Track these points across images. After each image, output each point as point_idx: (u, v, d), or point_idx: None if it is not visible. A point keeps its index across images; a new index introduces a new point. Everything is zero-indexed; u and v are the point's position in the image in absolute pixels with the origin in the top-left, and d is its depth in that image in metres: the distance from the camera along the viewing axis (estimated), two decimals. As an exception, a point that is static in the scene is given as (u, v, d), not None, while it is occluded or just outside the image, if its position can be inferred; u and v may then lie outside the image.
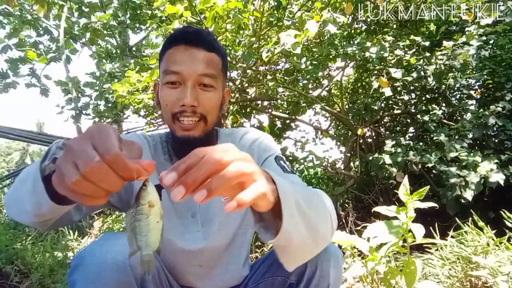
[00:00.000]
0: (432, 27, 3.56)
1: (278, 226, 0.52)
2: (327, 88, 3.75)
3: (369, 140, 3.67)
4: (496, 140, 2.89)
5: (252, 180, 0.47)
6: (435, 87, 2.99)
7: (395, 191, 1.53)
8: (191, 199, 0.82)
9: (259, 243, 2.64)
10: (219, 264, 0.91)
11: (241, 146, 0.92)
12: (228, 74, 3.05)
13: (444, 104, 3.05)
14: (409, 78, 2.73)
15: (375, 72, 3.14)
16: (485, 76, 2.84)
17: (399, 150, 2.60)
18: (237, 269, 0.93)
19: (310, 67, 3.09)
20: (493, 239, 1.75)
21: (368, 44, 2.63)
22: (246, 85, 3.21)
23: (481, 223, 1.84)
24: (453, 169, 2.38)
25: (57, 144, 0.56)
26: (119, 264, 0.66)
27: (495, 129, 2.80)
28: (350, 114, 3.32)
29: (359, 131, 2.94)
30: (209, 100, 0.81)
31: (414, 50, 2.91)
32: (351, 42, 3.34)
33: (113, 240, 0.70)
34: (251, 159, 0.49)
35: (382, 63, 2.84)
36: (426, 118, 2.74)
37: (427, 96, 3.15)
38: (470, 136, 2.68)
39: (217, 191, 0.44)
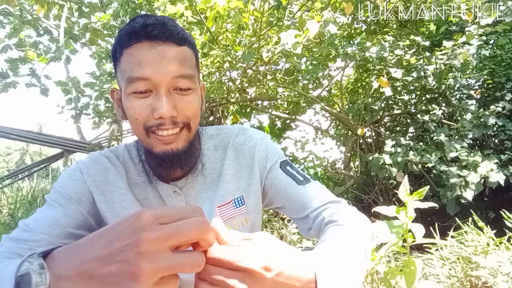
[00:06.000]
0: (432, 27, 3.56)
1: None
2: (327, 88, 3.76)
3: (369, 140, 3.67)
4: (496, 140, 2.90)
5: None
6: (435, 87, 3.00)
7: (395, 191, 1.53)
8: None
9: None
10: None
11: (235, 152, 0.79)
12: (228, 74, 3.04)
13: (444, 104, 3.05)
14: (409, 78, 2.73)
15: (375, 72, 3.14)
16: (485, 76, 2.84)
17: (399, 150, 2.60)
18: None
19: (310, 67, 3.09)
20: (493, 239, 1.75)
21: (368, 44, 2.63)
22: (246, 85, 3.21)
23: (481, 223, 1.84)
24: (453, 169, 2.38)
25: (30, 266, 0.39)
26: None
27: (495, 129, 2.80)
28: (350, 114, 3.32)
29: (359, 131, 2.94)
30: (190, 105, 0.66)
31: (414, 50, 2.91)
32: (351, 42, 3.34)
33: None
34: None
35: (382, 63, 2.84)
36: (426, 118, 2.74)
37: (427, 96, 3.15)
38: (470, 136, 2.68)
39: None
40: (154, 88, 0.64)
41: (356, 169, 3.67)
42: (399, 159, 2.49)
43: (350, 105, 3.68)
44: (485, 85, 3.08)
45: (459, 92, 3.15)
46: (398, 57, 2.77)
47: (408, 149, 2.65)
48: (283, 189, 0.76)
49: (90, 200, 0.71)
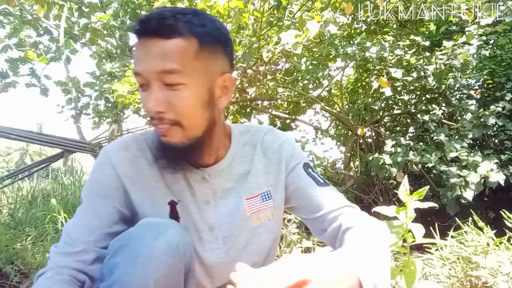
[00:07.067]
0: (432, 27, 3.56)
1: None
2: (327, 88, 3.76)
3: (369, 140, 3.67)
4: (496, 140, 2.89)
5: None
6: (435, 87, 3.00)
7: (395, 191, 1.53)
8: (206, 210, 0.77)
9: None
10: None
11: (264, 149, 0.81)
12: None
13: (444, 104, 3.05)
14: (409, 78, 2.73)
15: (375, 72, 3.14)
16: (485, 76, 2.84)
17: (399, 150, 2.60)
18: None
19: (310, 67, 3.09)
20: (493, 239, 1.75)
21: (368, 44, 2.63)
22: (246, 85, 3.21)
23: (481, 223, 1.84)
24: (453, 169, 2.38)
25: None
26: (172, 248, 0.61)
27: (495, 129, 2.80)
28: (350, 114, 3.32)
29: (359, 131, 2.94)
30: (181, 101, 0.64)
31: (414, 50, 2.91)
32: (351, 42, 3.34)
33: (162, 224, 0.65)
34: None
35: (382, 63, 2.84)
36: (426, 118, 2.74)
37: (427, 96, 3.15)
38: (470, 136, 2.68)
39: None
40: (148, 83, 0.64)
41: (356, 169, 3.67)
42: (399, 159, 2.49)
43: (350, 105, 3.68)
44: (485, 85, 3.08)
45: (459, 92, 3.15)
46: (398, 57, 2.77)
47: (408, 149, 2.65)
48: (302, 187, 0.78)
49: (122, 192, 0.73)
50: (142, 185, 0.73)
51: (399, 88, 3.06)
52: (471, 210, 2.07)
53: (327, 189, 0.76)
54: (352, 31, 3.56)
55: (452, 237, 1.93)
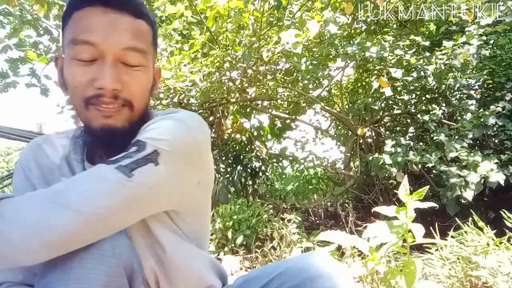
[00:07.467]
0: (432, 27, 3.56)
1: None
2: (327, 88, 3.76)
3: (369, 140, 3.67)
4: (496, 140, 2.89)
5: None
6: (435, 87, 3.00)
7: (395, 191, 1.53)
8: None
9: (259, 243, 2.64)
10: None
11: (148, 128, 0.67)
12: (228, 74, 3.04)
13: (444, 104, 3.05)
14: (409, 78, 2.73)
15: (375, 72, 3.14)
16: (485, 76, 2.84)
17: (399, 150, 2.60)
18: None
19: (310, 67, 3.10)
20: (493, 239, 1.75)
21: (368, 44, 2.64)
22: (246, 85, 3.21)
23: (481, 223, 1.84)
24: (453, 169, 2.38)
25: None
26: (106, 254, 0.54)
27: (495, 129, 2.80)
28: (350, 114, 3.32)
29: (359, 131, 2.94)
30: (137, 82, 0.61)
31: (414, 50, 2.92)
32: (351, 42, 3.34)
33: None
34: None
35: (382, 63, 2.85)
36: (426, 118, 2.74)
37: (427, 96, 3.15)
38: (470, 136, 2.68)
39: None
40: (100, 57, 0.58)
41: (356, 169, 3.66)
42: (399, 159, 2.49)
43: (350, 105, 3.68)
44: (485, 85, 3.08)
45: (459, 92, 3.15)
46: (398, 57, 2.77)
47: (408, 149, 2.65)
48: None
49: None
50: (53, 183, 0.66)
51: (399, 88, 3.06)
52: (471, 210, 2.07)
53: (92, 171, 0.56)
54: (352, 31, 3.57)
55: (452, 237, 1.93)
